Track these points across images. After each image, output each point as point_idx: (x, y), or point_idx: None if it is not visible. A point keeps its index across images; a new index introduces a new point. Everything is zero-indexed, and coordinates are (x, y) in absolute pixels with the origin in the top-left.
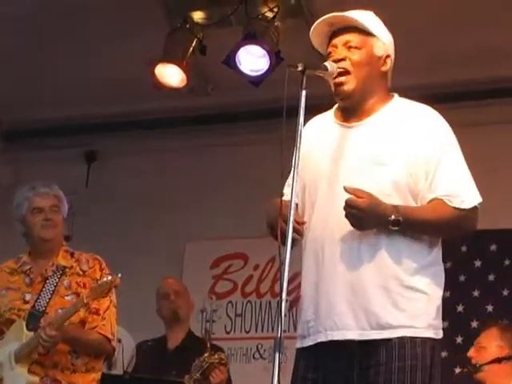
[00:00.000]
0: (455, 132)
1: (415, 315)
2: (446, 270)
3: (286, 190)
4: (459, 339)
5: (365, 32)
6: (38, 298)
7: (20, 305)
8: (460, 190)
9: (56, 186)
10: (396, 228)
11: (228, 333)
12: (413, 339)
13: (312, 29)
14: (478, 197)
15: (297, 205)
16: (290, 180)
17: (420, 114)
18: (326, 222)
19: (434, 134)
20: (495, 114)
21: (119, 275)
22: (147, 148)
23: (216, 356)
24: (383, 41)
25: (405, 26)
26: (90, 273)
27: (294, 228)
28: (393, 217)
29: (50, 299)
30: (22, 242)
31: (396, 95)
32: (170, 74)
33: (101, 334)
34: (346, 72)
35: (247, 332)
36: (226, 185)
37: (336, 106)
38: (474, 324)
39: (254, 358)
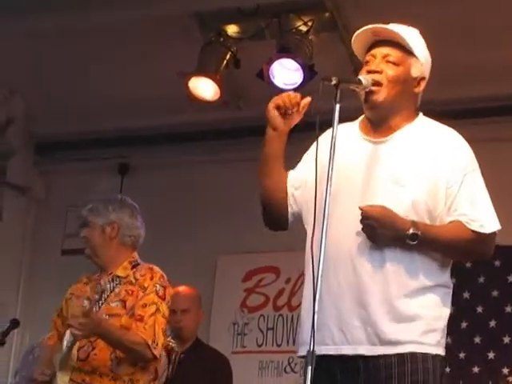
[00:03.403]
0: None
1: (426, 332)
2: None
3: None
4: (462, 355)
5: (406, 49)
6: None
7: (77, 311)
8: (480, 214)
9: (92, 204)
10: (414, 243)
11: (259, 346)
12: (424, 355)
13: (356, 34)
14: (497, 223)
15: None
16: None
17: (443, 136)
18: (344, 236)
19: (455, 157)
20: (497, 131)
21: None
22: (180, 161)
23: None
24: (421, 62)
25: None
26: (140, 281)
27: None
28: (411, 231)
29: (99, 308)
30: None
31: (421, 114)
32: (204, 87)
33: (140, 336)
34: (379, 84)
35: (279, 345)
36: (257, 198)
37: (361, 118)
38: (477, 340)
39: (285, 371)
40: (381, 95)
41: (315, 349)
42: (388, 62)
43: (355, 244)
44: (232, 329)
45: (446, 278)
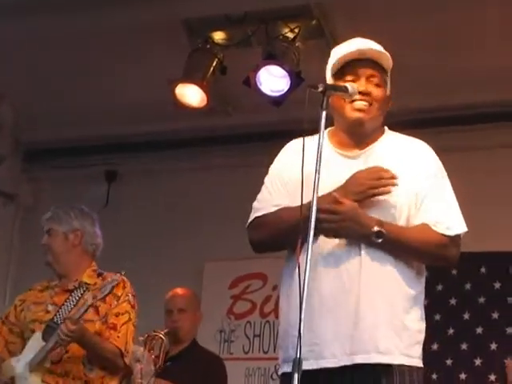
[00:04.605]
0: (444, 157)
1: (411, 344)
2: (437, 294)
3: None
4: (449, 361)
5: (383, 69)
6: (59, 311)
7: (42, 316)
8: (446, 217)
9: (52, 212)
10: (379, 240)
11: (246, 353)
12: (410, 367)
13: (343, 54)
14: (464, 226)
15: None
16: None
17: (413, 147)
18: (333, 247)
19: (426, 165)
20: (478, 140)
21: (123, 272)
22: (168, 168)
23: None
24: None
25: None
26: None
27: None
28: (376, 228)
29: (69, 312)
30: (41, 262)
31: (386, 128)
32: (191, 94)
33: (114, 344)
34: (369, 104)
35: (265, 352)
36: (245, 205)
37: (330, 131)
38: (464, 346)
39: (272, 378)
40: (369, 114)
41: (312, 363)
42: (371, 82)
43: (345, 256)
44: (219, 335)
45: (423, 286)
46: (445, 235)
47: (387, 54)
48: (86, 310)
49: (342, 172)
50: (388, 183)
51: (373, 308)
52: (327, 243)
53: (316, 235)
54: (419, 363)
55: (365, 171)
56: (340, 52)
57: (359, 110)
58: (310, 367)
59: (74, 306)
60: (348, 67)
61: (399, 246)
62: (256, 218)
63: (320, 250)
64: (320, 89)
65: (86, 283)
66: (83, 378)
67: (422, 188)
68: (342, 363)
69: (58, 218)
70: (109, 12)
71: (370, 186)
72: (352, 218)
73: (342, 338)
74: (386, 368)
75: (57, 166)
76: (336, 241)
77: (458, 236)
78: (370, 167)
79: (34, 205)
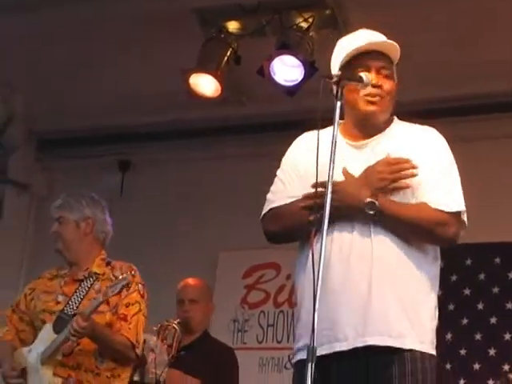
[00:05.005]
0: (458, 146)
1: (423, 330)
2: (451, 284)
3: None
4: (463, 351)
5: (390, 61)
6: (69, 302)
7: (53, 306)
8: (445, 196)
9: (63, 200)
10: (372, 212)
11: (260, 342)
12: (422, 354)
13: (356, 44)
14: (462, 205)
15: None
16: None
17: (420, 133)
18: (347, 234)
19: (432, 151)
20: (493, 129)
21: (133, 273)
22: (181, 157)
23: None
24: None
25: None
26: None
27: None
28: (368, 199)
29: (79, 303)
30: (52, 251)
31: (395, 117)
32: (205, 84)
33: (125, 336)
34: (380, 97)
35: (279, 342)
36: (258, 195)
37: (341, 124)
38: (478, 336)
39: (285, 368)
40: (381, 106)
41: (327, 348)
42: (381, 74)
43: (357, 242)
44: (232, 325)
45: (436, 272)
46: (443, 212)
47: (397, 45)
48: (96, 307)
49: (353, 163)
50: (407, 175)
51: (384, 293)
52: (339, 230)
53: (329, 224)
54: (432, 350)
55: (385, 164)
56: (350, 44)
57: (372, 103)
58: (324, 352)
59: (84, 296)
60: (357, 60)
61: (395, 220)
62: (270, 209)
63: (332, 237)
64: (335, 79)
65: (95, 273)
66: (95, 370)
67: (428, 173)
68: (356, 345)
69: (68, 205)
70: (123, 1)
71: (392, 180)
72: (345, 191)
73: (355, 321)
74: (398, 355)
75: (70, 155)
76: (347, 227)
77: (457, 214)
78: (394, 158)
79: (48, 195)
